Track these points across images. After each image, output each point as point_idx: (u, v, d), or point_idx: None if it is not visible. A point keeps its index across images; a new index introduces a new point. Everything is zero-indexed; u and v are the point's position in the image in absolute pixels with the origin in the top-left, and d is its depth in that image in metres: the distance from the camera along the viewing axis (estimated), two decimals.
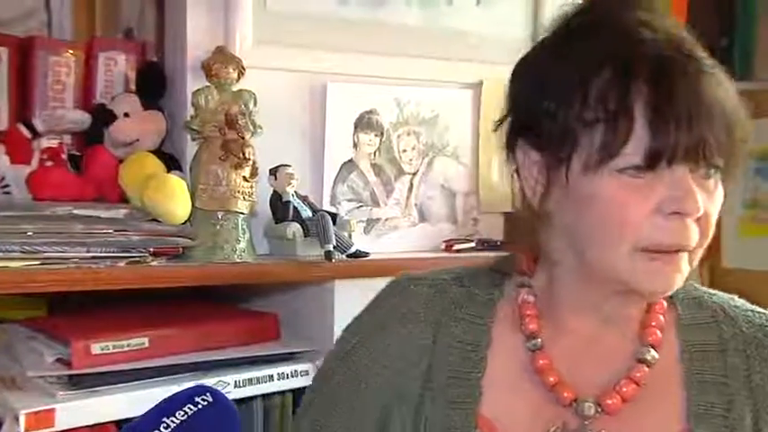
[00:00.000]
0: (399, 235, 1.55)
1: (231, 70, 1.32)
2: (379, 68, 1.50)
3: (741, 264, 1.91)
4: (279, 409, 1.27)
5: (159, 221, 1.23)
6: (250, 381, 1.22)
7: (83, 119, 1.34)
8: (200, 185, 1.29)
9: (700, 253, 0.79)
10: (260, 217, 1.38)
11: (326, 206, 1.45)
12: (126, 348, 1.16)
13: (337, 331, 1.30)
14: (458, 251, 1.53)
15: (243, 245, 1.31)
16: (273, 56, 1.41)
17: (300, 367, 1.28)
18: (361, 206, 1.51)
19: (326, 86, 1.46)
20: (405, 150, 1.55)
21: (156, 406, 0.81)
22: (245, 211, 1.32)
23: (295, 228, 1.32)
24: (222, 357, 1.23)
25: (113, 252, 1.17)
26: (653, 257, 0.77)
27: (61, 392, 1.08)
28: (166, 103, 1.41)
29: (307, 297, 1.37)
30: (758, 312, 0.88)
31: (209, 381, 1.14)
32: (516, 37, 1.65)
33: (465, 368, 0.86)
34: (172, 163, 1.35)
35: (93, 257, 1.15)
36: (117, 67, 1.41)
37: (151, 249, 1.20)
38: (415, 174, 1.56)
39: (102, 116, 1.34)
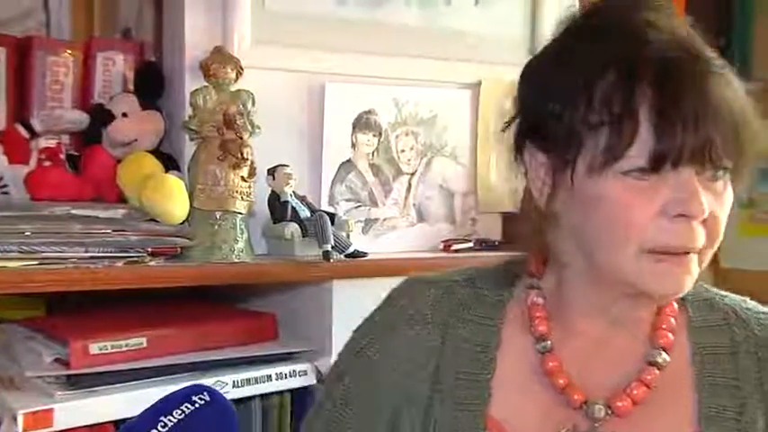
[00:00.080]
0: (397, 235, 1.55)
1: (229, 70, 1.32)
2: (378, 68, 1.50)
3: (739, 264, 1.91)
4: (277, 409, 1.27)
5: (157, 221, 1.23)
6: (248, 381, 1.22)
7: (81, 119, 1.34)
8: (199, 185, 1.29)
9: (709, 254, 0.78)
10: (258, 217, 1.38)
11: (325, 206, 1.45)
12: (124, 348, 1.16)
13: (336, 331, 1.31)
14: (456, 251, 1.53)
15: (241, 245, 1.31)
16: (272, 56, 1.41)
17: (299, 367, 1.28)
18: (359, 206, 1.51)
19: (325, 86, 1.45)
20: (403, 150, 1.55)
21: (152, 405, 0.81)
22: (244, 211, 1.32)
23: (293, 228, 1.32)
24: (220, 357, 1.23)
25: (111, 252, 1.17)
26: (660, 259, 0.76)
27: (59, 392, 1.08)
28: (164, 103, 1.41)
29: (305, 297, 1.37)
30: None
31: (207, 381, 1.14)
32: (515, 37, 1.65)
33: (474, 369, 0.85)
34: (170, 163, 1.35)
35: (92, 257, 1.15)
36: (115, 67, 1.41)
37: (149, 249, 1.20)
38: (413, 174, 1.56)
39: (101, 116, 1.34)
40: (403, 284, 0.95)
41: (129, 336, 1.17)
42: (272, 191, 1.36)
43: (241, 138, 1.30)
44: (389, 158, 1.53)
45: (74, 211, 1.18)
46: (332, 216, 1.36)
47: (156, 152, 1.35)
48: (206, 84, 1.32)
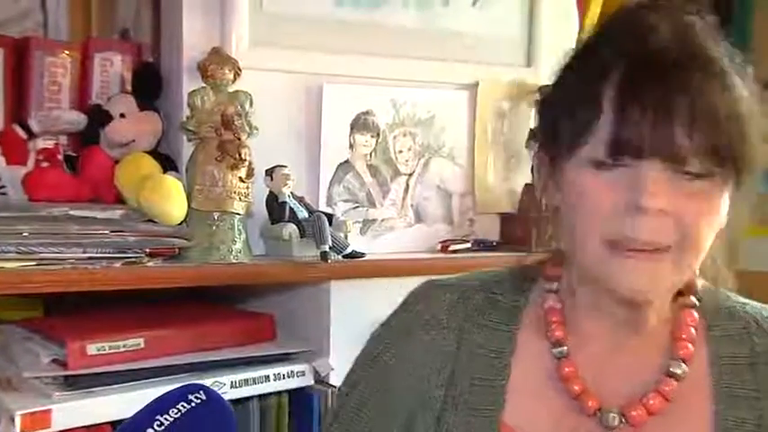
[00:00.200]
0: (395, 236, 1.55)
1: (227, 71, 1.32)
2: (375, 69, 1.51)
3: (740, 265, 1.90)
4: (275, 409, 1.27)
5: (155, 222, 1.23)
6: (246, 381, 1.22)
7: (79, 119, 1.34)
8: (197, 186, 1.29)
9: (687, 258, 0.76)
10: (256, 218, 1.38)
11: (323, 207, 1.45)
12: (122, 349, 1.16)
13: (333, 332, 1.32)
14: (454, 252, 1.53)
15: (239, 245, 1.31)
16: (269, 57, 1.41)
17: (296, 368, 1.28)
18: (357, 207, 1.51)
19: (322, 87, 1.46)
20: (401, 151, 1.55)
21: (148, 404, 0.81)
22: (241, 212, 1.32)
23: (291, 228, 1.32)
24: (218, 358, 1.23)
25: (109, 253, 1.17)
26: (627, 255, 0.75)
27: (57, 393, 1.08)
28: (162, 103, 1.41)
29: (303, 298, 1.37)
30: None
31: (205, 381, 1.13)
32: (512, 38, 1.65)
33: (488, 375, 0.85)
34: (168, 164, 1.35)
35: (90, 258, 1.15)
36: (113, 67, 1.41)
37: (147, 250, 1.20)
38: (410, 175, 1.56)
39: (98, 117, 1.34)
40: (419, 288, 0.94)
41: (127, 336, 1.17)
42: (270, 191, 1.36)
43: (239, 138, 1.30)
44: (387, 159, 1.54)
45: (71, 212, 1.18)
46: (330, 217, 1.36)
47: (154, 153, 1.35)
48: (204, 85, 1.32)
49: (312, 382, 1.29)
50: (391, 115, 1.53)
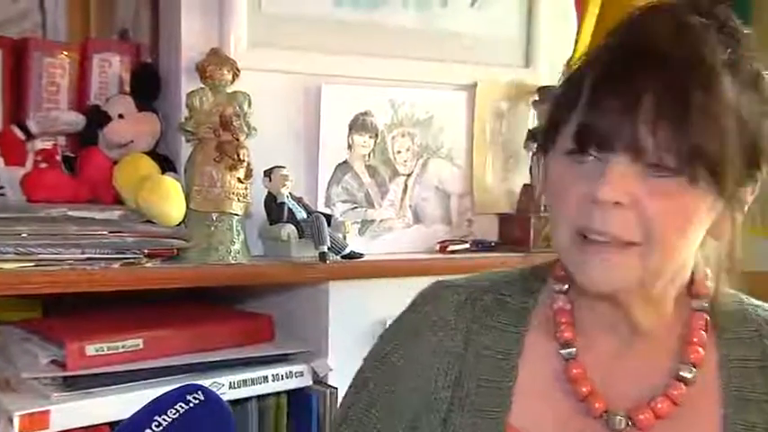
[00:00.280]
0: (394, 236, 1.55)
1: (226, 72, 1.32)
2: (374, 70, 1.51)
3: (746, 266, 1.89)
4: (273, 410, 1.27)
5: (154, 223, 1.23)
6: (245, 382, 1.22)
7: (77, 120, 1.34)
8: (195, 187, 1.29)
9: (656, 257, 0.74)
10: (254, 218, 1.38)
11: (321, 207, 1.45)
12: (120, 350, 1.16)
13: (332, 332, 1.32)
14: (452, 252, 1.53)
15: (237, 246, 1.31)
16: (268, 58, 1.41)
17: (295, 368, 1.28)
18: (355, 207, 1.51)
19: (321, 88, 1.46)
20: (399, 152, 1.55)
21: (146, 405, 0.81)
22: (240, 213, 1.32)
23: (290, 229, 1.32)
24: (217, 359, 1.23)
25: (108, 253, 1.17)
26: (594, 248, 0.74)
27: (56, 394, 1.08)
28: (161, 104, 1.41)
29: (301, 298, 1.37)
30: None
31: (203, 382, 1.13)
32: (511, 39, 1.66)
33: (495, 377, 0.84)
34: (166, 164, 1.35)
35: (88, 259, 1.15)
36: (111, 68, 1.41)
37: (146, 251, 1.20)
38: (409, 175, 1.56)
39: (97, 117, 1.34)
40: (428, 289, 0.93)
41: (126, 337, 1.17)
42: (269, 192, 1.36)
43: (237, 139, 1.30)
44: (386, 160, 1.54)
45: (70, 213, 1.18)
46: (328, 217, 1.36)
47: (153, 154, 1.35)
48: (202, 85, 1.32)
49: (311, 382, 1.29)
50: (390, 116, 1.53)
